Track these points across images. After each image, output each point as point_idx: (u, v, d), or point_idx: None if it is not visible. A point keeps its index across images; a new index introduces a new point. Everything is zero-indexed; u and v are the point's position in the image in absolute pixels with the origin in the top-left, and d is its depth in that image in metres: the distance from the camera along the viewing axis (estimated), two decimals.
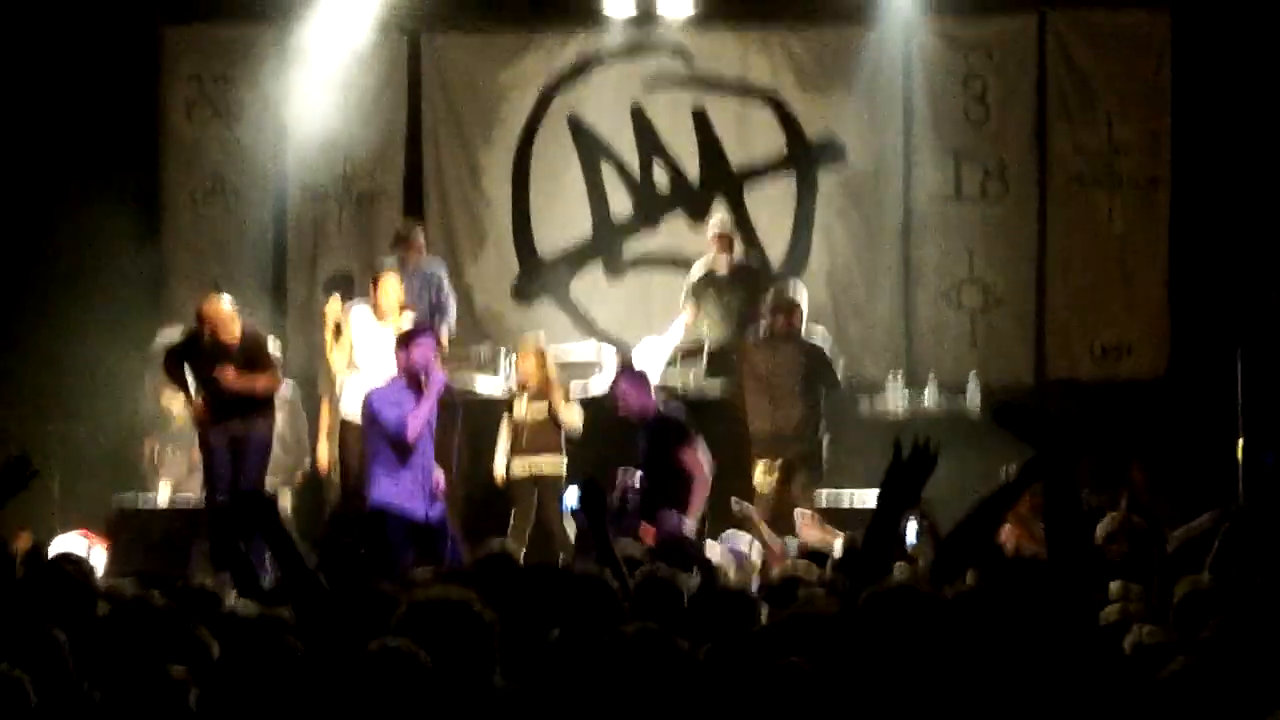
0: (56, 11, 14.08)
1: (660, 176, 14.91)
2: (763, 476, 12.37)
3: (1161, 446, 12.60)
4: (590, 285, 14.89)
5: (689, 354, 13.81)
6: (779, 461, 12.36)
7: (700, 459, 11.22)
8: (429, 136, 14.96)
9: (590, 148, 14.90)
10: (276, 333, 12.86)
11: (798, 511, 10.36)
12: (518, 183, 14.93)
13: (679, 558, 7.48)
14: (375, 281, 12.44)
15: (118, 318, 13.65)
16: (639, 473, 11.27)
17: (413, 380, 10.73)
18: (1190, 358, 14.05)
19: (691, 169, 14.88)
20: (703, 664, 4.58)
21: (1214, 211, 14.09)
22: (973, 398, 13.39)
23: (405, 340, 10.85)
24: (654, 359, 13.36)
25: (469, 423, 12.75)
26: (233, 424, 11.47)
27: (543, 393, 12.42)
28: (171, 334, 12.44)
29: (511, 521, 12.35)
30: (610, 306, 14.81)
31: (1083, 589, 4.78)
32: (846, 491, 12.25)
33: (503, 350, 13.32)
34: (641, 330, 14.07)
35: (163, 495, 12.83)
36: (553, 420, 12.36)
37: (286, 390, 12.96)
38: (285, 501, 12.92)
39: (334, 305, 12.65)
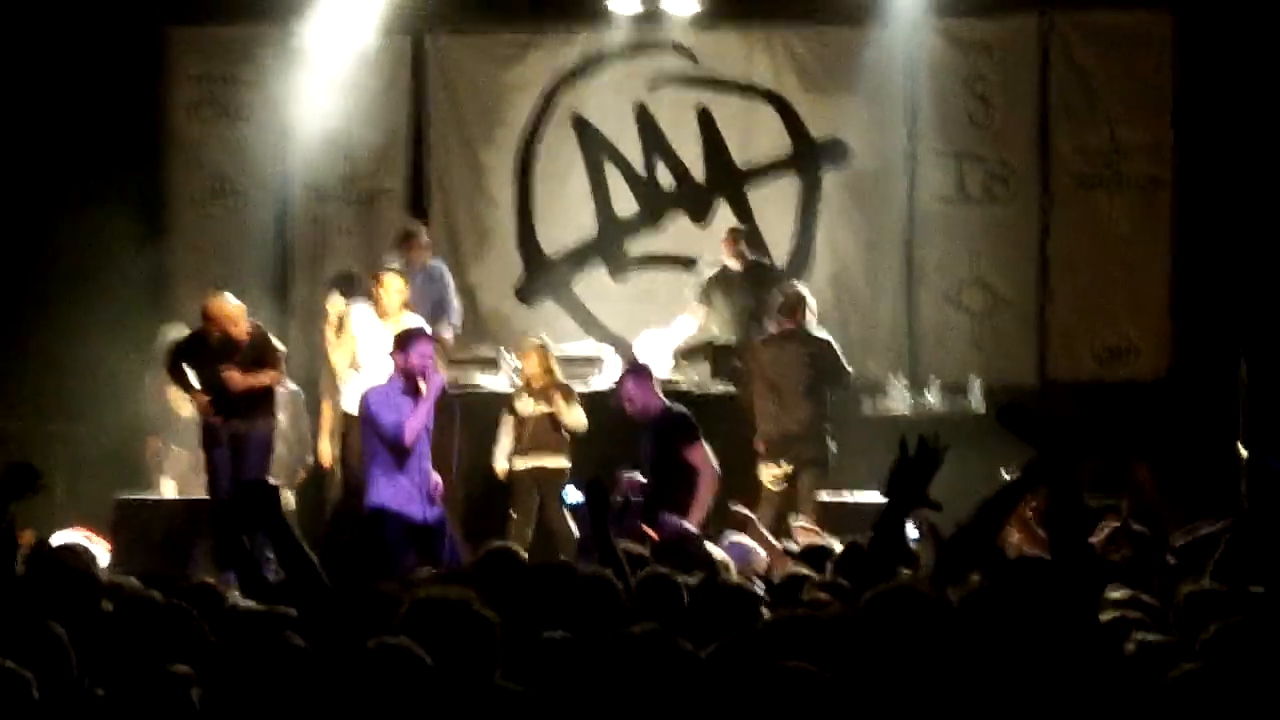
0: (60, 12, 14.08)
1: (664, 176, 14.92)
2: (770, 478, 12.37)
3: (1164, 448, 12.58)
4: (594, 284, 14.90)
5: (693, 353, 13.81)
6: (786, 463, 12.36)
7: (707, 458, 11.21)
8: (433, 136, 14.97)
9: (594, 147, 14.91)
10: (280, 333, 12.85)
11: (795, 521, 10.35)
12: (521, 182, 14.94)
13: (681, 557, 7.48)
14: (378, 280, 12.44)
15: (120, 318, 13.65)
16: (640, 476, 11.26)
17: (410, 382, 10.71)
18: (1193, 359, 14.05)
19: (695, 169, 14.89)
20: (706, 665, 4.58)
21: (1217, 212, 14.09)
22: (975, 399, 13.39)
23: (403, 342, 10.81)
24: (657, 354, 13.37)
25: (472, 420, 12.78)
26: (235, 422, 11.48)
27: (545, 392, 12.42)
28: (174, 333, 12.45)
29: (513, 519, 12.36)
30: (614, 305, 14.82)
31: (1085, 590, 4.78)
32: (848, 492, 12.24)
33: (503, 349, 13.32)
34: (645, 329, 14.07)
35: (166, 494, 12.83)
36: (555, 419, 12.37)
37: (289, 389, 12.97)
38: (288, 500, 12.92)
39: (336, 303, 12.65)
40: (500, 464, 12.49)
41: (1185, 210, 14.31)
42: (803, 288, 12.97)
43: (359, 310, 12.50)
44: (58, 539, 10.15)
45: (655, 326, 13.94)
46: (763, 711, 4.05)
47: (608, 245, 14.92)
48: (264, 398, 11.68)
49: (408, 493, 10.71)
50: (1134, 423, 13.13)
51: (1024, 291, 14.53)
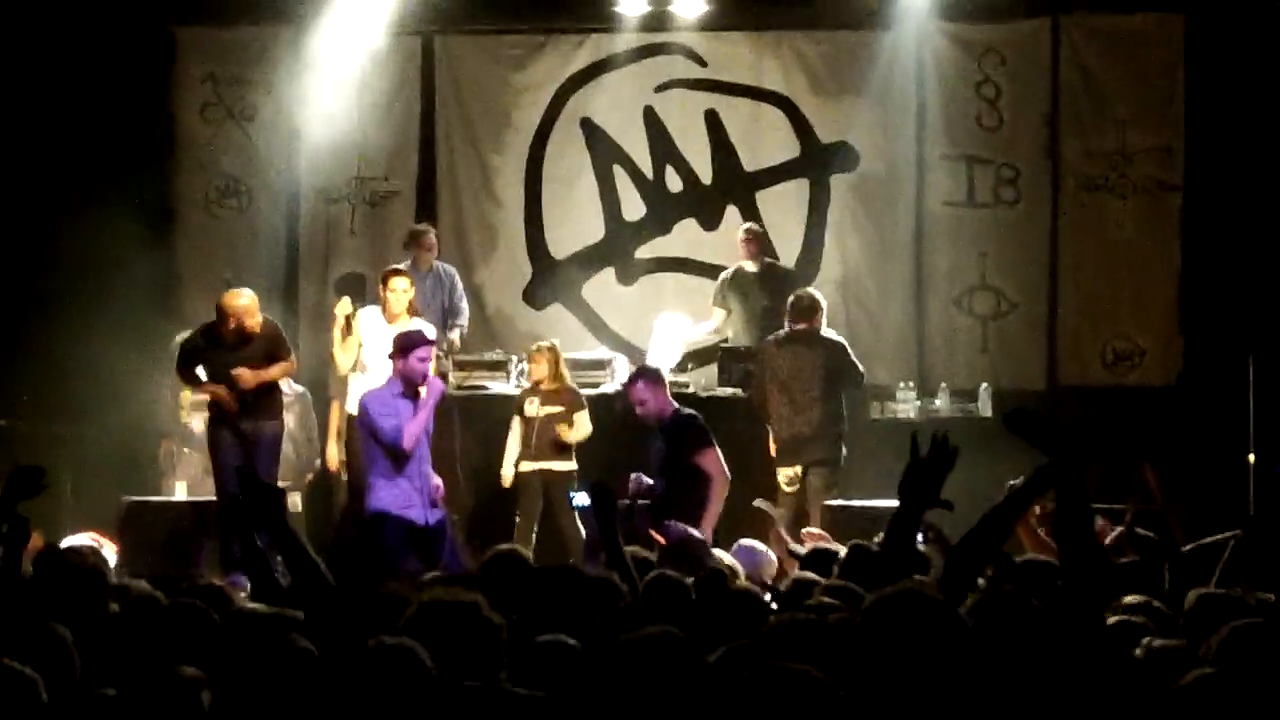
0: (69, 13, 14.09)
1: (672, 179, 14.91)
2: (784, 479, 12.36)
3: (1173, 454, 12.56)
4: (602, 288, 14.89)
5: (701, 355, 13.81)
6: (798, 467, 12.36)
7: (719, 463, 11.19)
8: (441, 139, 14.97)
9: (603, 150, 14.91)
10: (288, 334, 12.83)
11: (805, 531, 10.34)
12: (530, 185, 14.94)
13: (687, 561, 7.47)
14: (385, 282, 12.43)
15: (128, 318, 13.64)
16: (647, 480, 11.25)
17: (409, 386, 10.71)
18: (1202, 365, 14.03)
19: (704, 172, 14.89)
20: (713, 670, 4.57)
21: (1226, 217, 14.07)
22: (984, 404, 13.38)
23: (402, 346, 10.80)
24: (673, 336, 13.39)
25: (477, 423, 12.79)
26: (243, 423, 11.46)
27: (554, 395, 12.41)
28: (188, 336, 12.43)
29: (517, 522, 12.36)
30: (622, 309, 14.81)
31: (1094, 596, 4.77)
32: (857, 496, 12.23)
33: (513, 355, 13.32)
34: (652, 335, 14.07)
35: (178, 496, 12.82)
36: (563, 422, 12.36)
37: (296, 391, 12.97)
38: (295, 502, 12.92)
39: (343, 305, 12.64)
40: (507, 469, 12.47)
41: (1195, 214, 14.29)
42: (815, 291, 12.96)
43: (366, 312, 12.50)
44: (66, 543, 10.14)
45: (650, 345, 13.93)
46: (765, 715, 4.04)
47: (616, 249, 14.92)
48: (272, 398, 11.66)
49: (408, 496, 10.71)
50: (1143, 428, 13.11)
51: (1033, 296, 14.52)
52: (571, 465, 12.37)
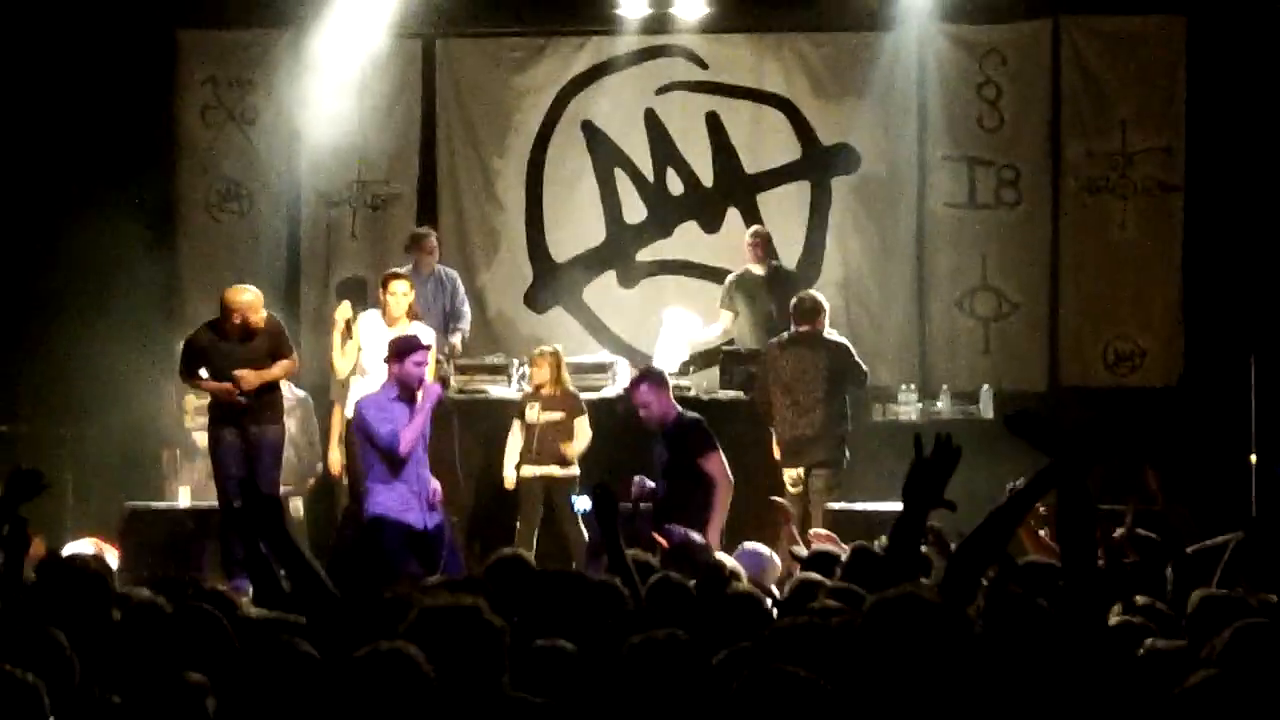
0: (71, 16, 14.09)
1: (673, 182, 14.91)
2: (788, 480, 12.37)
3: (1174, 454, 12.57)
4: (603, 291, 14.89)
5: (703, 358, 13.80)
6: (801, 469, 12.36)
7: (723, 467, 11.18)
8: (443, 142, 14.97)
9: (604, 153, 14.90)
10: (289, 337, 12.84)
11: (814, 531, 10.34)
12: (531, 188, 14.94)
13: (689, 564, 7.47)
14: (384, 286, 12.43)
15: (130, 322, 13.66)
16: (649, 483, 11.24)
17: (405, 390, 10.71)
18: (1204, 365, 14.03)
19: (705, 175, 14.88)
20: (715, 672, 4.57)
21: (1228, 218, 14.06)
22: (985, 405, 13.37)
23: (398, 350, 10.81)
24: (680, 334, 13.40)
25: (478, 427, 12.78)
26: (245, 427, 11.44)
27: (555, 400, 12.41)
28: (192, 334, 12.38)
29: (518, 527, 12.35)
30: (623, 312, 14.81)
31: (1096, 596, 4.77)
32: (859, 499, 12.23)
33: (514, 358, 13.31)
34: (655, 336, 14.07)
35: (182, 502, 12.82)
36: (564, 427, 12.35)
37: (298, 395, 12.96)
38: (297, 507, 12.92)
39: (344, 309, 12.64)
40: (508, 472, 12.47)
41: (1196, 215, 14.29)
42: (818, 294, 12.95)
43: (366, 316, 12.50)
44: (68, 550, 10.14)
45: (658, 340, 13.95)
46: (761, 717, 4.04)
47: (617, 251, 14.91)
48: (274, 401, 11.65)
49: (406, 500, 10.73)
50: (1144, 429, 13.12)
51: (1034, 297, 14.52)
52: (573, 470, 12.36)
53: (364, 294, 13.78)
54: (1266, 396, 13.16)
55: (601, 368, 13.38)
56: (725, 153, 14.85)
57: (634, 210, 14.92)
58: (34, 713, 4.32)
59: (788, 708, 4.03)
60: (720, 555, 8.63)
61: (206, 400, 11.84)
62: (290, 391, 12.62)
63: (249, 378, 11.35)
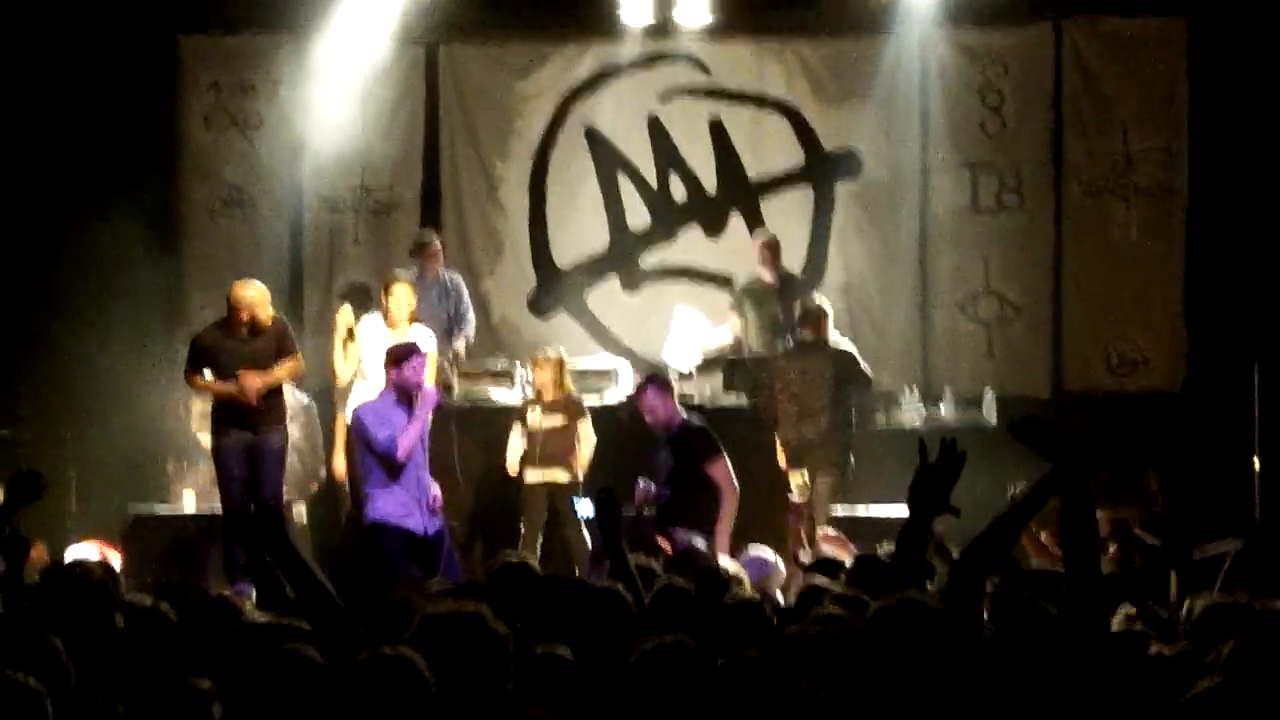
0: (73, 21, 14.10)
1: (677, 188, 14.91)
2: (795, 485, 12.37)
3: (1177, 459, 12.57)
4: (607, 297, 14.89)
5: (707, 365, 13.79)
6: (806, 472, 12.36)
7: (729, 473, 11.17)
8: (446, 148, 14.97)
9: (607, 159, 14.90)
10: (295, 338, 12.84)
11: (822, 532, 10.34)
12: (534, 194, 14.94)
13: (692, 570, 7.46)
14: (386, 290, 12.42)
15: (134, 327, 13.67)
16: (653, 485, 11.24)
17: (403, 395, 10.73)
18: (1207, 370, 14.02)
19: (708, 180, 14.88)
20: (720, 678, 4.57)
21: (1230, 222, 14.06)
22: (989, 410, 13.37)
23: (396, 356, 10.83)
24: (690, 337, 13.40)
25: (482, 433, 12.77)
26: (248, 432, 11.44)
27: (557, 405, 12.41)
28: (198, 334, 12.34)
29: (522, 532, 12.35)
30: (627, 317, 14.81)
31: (1099, 601, 4.77)
32: (862, 504, 12.23)
33: (518, 362, 13.31)
34: (659, 342, 14.08)
35: (187, 507, 12.81)
36: (567, 432, 12.35)
37: (301, 401, 12.96)
38: (300, 513, 12.91)
39: (345, 314, 12.64)
40: (511, 461, 12.44)
41: (1198, 217, 14.29)
42: (822, 300, 12.96)
43: (368, 321, 12.49)
44: (71, 553, 10.15)
45: (668, 338, 13.96)
46: None
47: (620, 257, 14.91)
48: (277, 405, 11.64)
49: (405, 506, 10.74)
50: (1147, 434, 13.12)
51: (1037, 302, 14.52)
52: (577, 475, 12.35)
53: (367, 299, 13.76)
54: (1269, 400, 13.15)
55: (605, 373, 13.38)
56: (728, 158, 14.85)
57: (637, 215, 14.92)
58: (37, 719, 4.32)
59: (785, 716, 4.03)
60: (723, 560, 8.63)
61: (210, 404, 11.81)
62: (294, 397, 12.61)
63: (255, 383, 11.34)
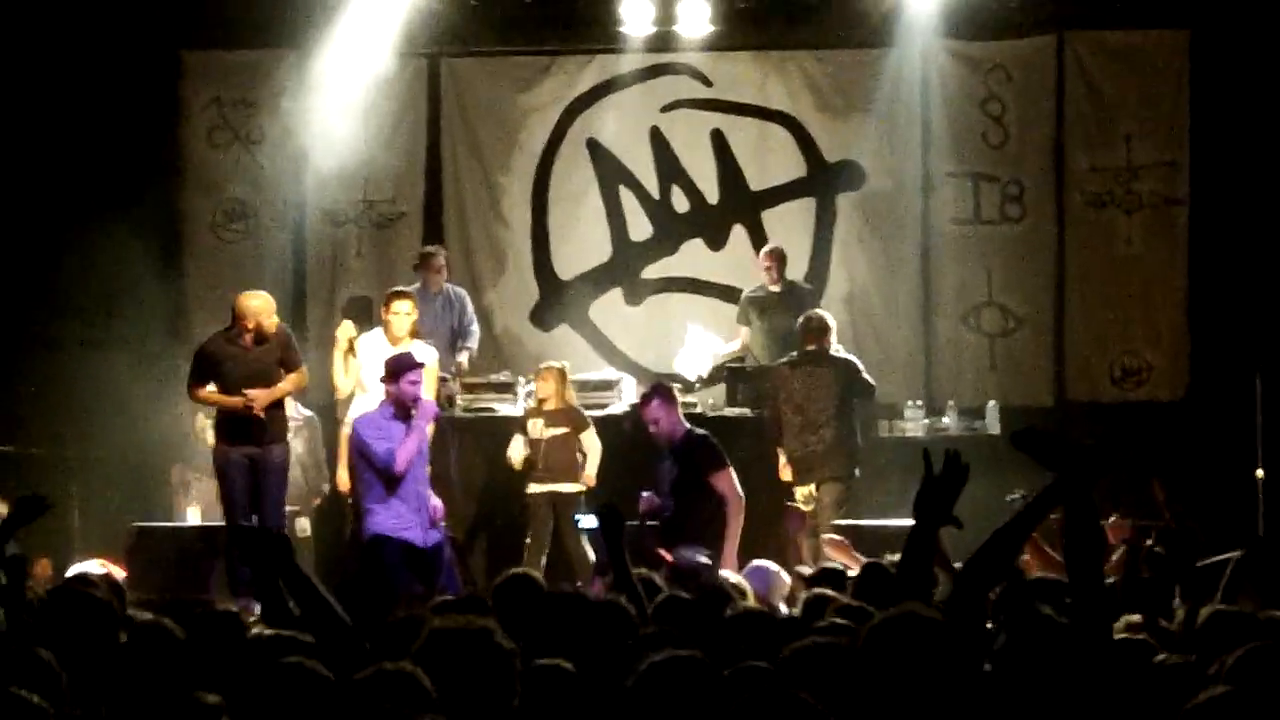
0: (77, 37, 14.11)
1: (679, 200, 14.93)
2: (800, 498, 12.37)
3: (1181, 469, 12.56)
4: (609, 308, 14.90)
5: (710, 376, 13.80)
6: (813, 485, 12.36)
7: (734, 485, 11.16)
8: (448, 160, 14.99)
9: (609, 171, 14.92)
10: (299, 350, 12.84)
11: (825, 536, 10.33)
12: (537, 206, 14.96)
13: (694, 583, 7.46)
14: (387, 305, 12.42)
15: (137, 341, 13.69)
16: (656, 496, 11.23)
17: (401, 408, 10.74)
18: (1209, 380, 14.02)
19: (710, 192, 14.90)
20: (725, 691, 4.57)
21: (1233, 232, 14.07)
22: (992, 421, 13.36)
23: (394, 371, 10.84)
24: (702, 350, 13.42)
25: (487, 444, 12.78)
26: (251, 447, 11.43)
27: (558, 416, 12.41)
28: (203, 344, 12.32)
29: (527, 544, 12.36)
30: (629, 330, 14.82)
31: (1103, 611, 4.77)
32: (865, 514, 12.22)
33: (520, 377, 13.31)
34: (661, 353, 14.09)
35: (190, 521, 12.81)
36: (569, 443, 12.36)
37: (304, 414, 12.96)
38: (304, 526, 12.91)
39: (346, 329, 12.63)
40: (514, 462, 12.44)
41: (1201, 229, 14.29)
42: (824, 312, 12.97)
43: (369, 336, 12.48)
44: (75, 569, 10.15)
45: (671, 350, 13.97)
46: None
47: (622, 269, 14.93)
48: (279, 419, 11.64)
49: (404, 519, 10.75)
50: (1150, 444, 13.11)
51: (1040, 312, 14.53)
52: (579, 486, 12.36)
53: (370, 313, 13.77)
54: (1272, 410, 13.15)
55: (608, 385, 13.39)
56: (730, 170, 14.87)
57: (639, 228, 14.94)
58: None
59: None
60: (726, 573, 8.62)
61: (214, 419, 11.80)
62: (297, 411, 12.63)
63: (260, 398, 11.34)
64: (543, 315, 14.92)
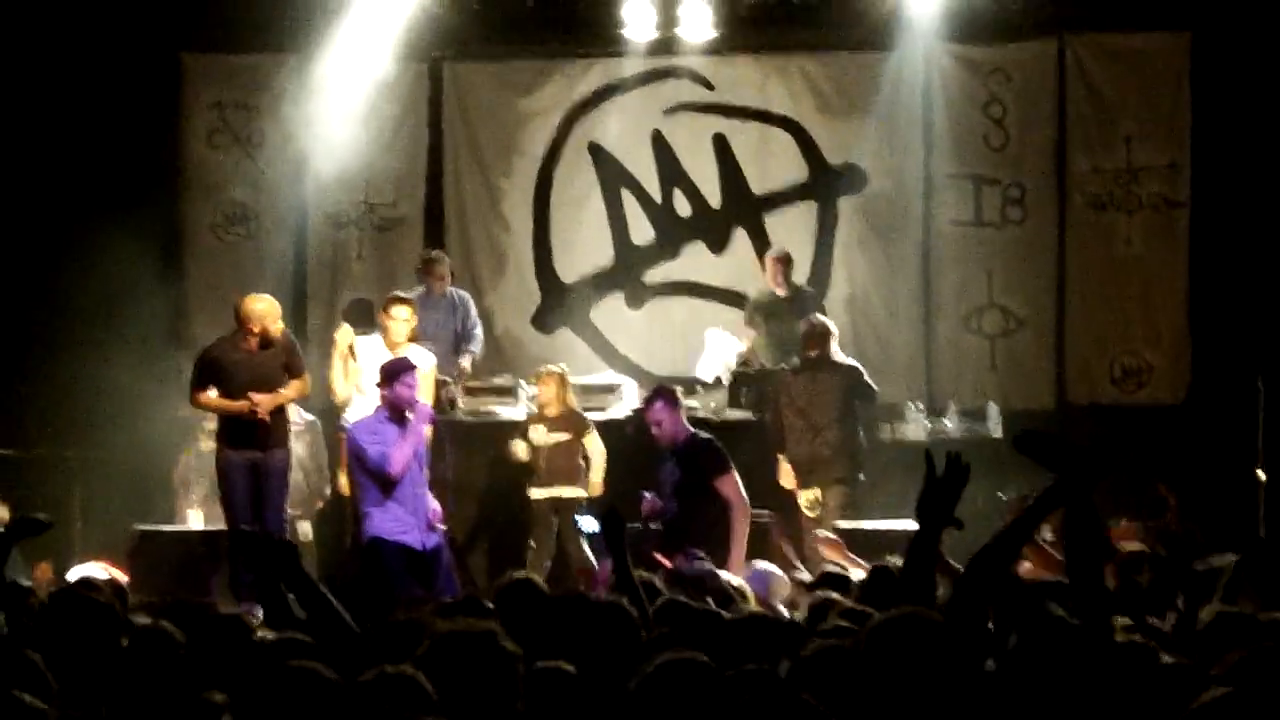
0: (77, 40, 14.12)
1: (680, 203, 14.93)
2: (805, 503, 12.38)
3: (1181, 471, 12.57)
4: (611, 312, 14.90)
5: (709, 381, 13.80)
6: (818, 490, 12.37)
7: (738, 489, 11.15)
8: (449, 164, 14.99)
9: (611, 174, 14.92)
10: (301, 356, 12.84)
11: (818, 533, 10.33)
12: (538, 210, 14.96)
13: (695, 586, 7.46)
14: (386, 310, 12.41)
15: (138, 345, 13.69)
16: (658, 499, 11.22)
17: (396, 412, 10.75)
18: (1211, 382, 14.02)
19: (712, 196, 14.90)
20: (728, 693, 4.58)
21: (1234, 234, 14.06)
22: (993, 423, 13.36)
23: (389, 374, 10.85)
24: (721, 354, 13.42)
25: (488, 448, 12.78)
26: (252, 452, 11.43)
27: (560, 420, 12.42)
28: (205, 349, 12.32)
29: (531, 546, 12.37)
30: (631, 333, 14.82)
31: (1104, 613, 4.77)
32: (867, 517, 12.22)
33: (522, 380, 13.30)
34: (663, 357, 14.10)
35: (192, 525, 12.80)
36: (571, 448, 12.37)
37: (306, 418, 12.96)
38: (305, 530, 12.91)
39: (345, 333, 12.62)
40: (516, 457, 12.46)
41: (1202, 231, 14.29)
42: (826, 318, 12.97)
43: (367, 340, 12.47)
44: (76, 572, 10.15)
45: (672, 354, 13.98)
46: None
47: (624, 273, 14.93)
48: (281, 424, 11.65)
49: (402, 522, 10.76)
50: (1151, 446, 13.11)
51: (1041, 315, 14.52)
52: (581, 491, 12.36)
53: (370, 316, 13.75)
54: (1273, 412, 13.14)
55: (609, 388, 13.39)
56: (732, 173, 14.87)
57: (641, 231, 14.94)
58: None
59: None
60: (726, 576, 8.62)
61: (216, 423, 11.79)
62: (299, 415, 12.63)
63: (264, 402, 11.34)
64: (544, 318, 14.93)
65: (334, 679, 4.61)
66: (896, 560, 6.55)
